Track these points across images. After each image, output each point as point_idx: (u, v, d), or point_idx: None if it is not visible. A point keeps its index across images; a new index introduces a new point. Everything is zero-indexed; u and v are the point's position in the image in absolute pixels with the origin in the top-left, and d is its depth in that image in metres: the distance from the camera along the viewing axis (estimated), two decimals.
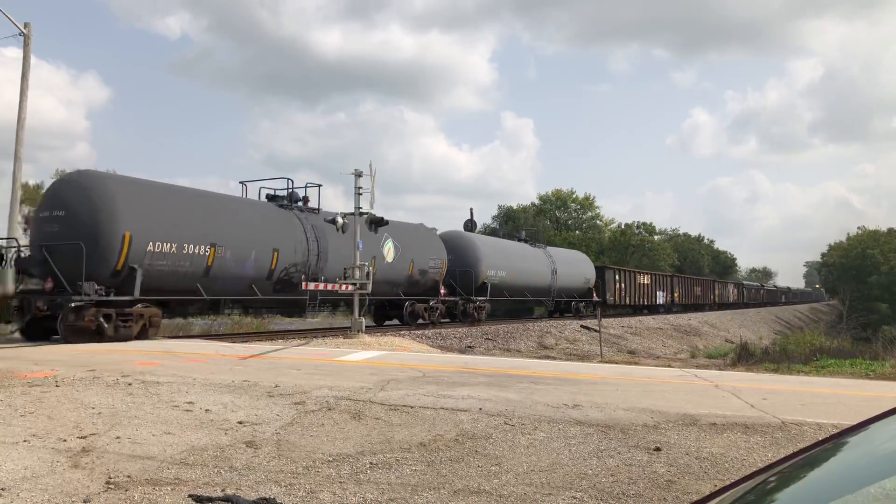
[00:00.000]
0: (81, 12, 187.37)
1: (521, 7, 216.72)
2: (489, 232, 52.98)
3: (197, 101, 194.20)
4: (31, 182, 39.67)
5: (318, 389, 7.26)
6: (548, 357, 20.46)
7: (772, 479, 1.32)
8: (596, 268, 38.57)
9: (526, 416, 6.05)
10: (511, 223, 59.02)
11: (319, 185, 21.42)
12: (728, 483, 1.51)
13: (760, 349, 24.30)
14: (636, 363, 17.81)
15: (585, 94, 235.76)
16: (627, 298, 41.26)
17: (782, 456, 1.65)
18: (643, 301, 43.43)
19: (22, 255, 14.90)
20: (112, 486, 3.94)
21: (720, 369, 16.00)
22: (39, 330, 14.54)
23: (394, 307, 24.33)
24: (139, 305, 15.01)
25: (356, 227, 17.85)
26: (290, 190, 20.37)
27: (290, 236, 18.78)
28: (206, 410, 6.08)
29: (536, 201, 69.15)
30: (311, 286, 17.93)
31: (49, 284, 14.19)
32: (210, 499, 3.69)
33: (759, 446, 5.22)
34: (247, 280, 17.60)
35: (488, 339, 22.96)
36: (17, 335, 14.80)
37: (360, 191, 18.04)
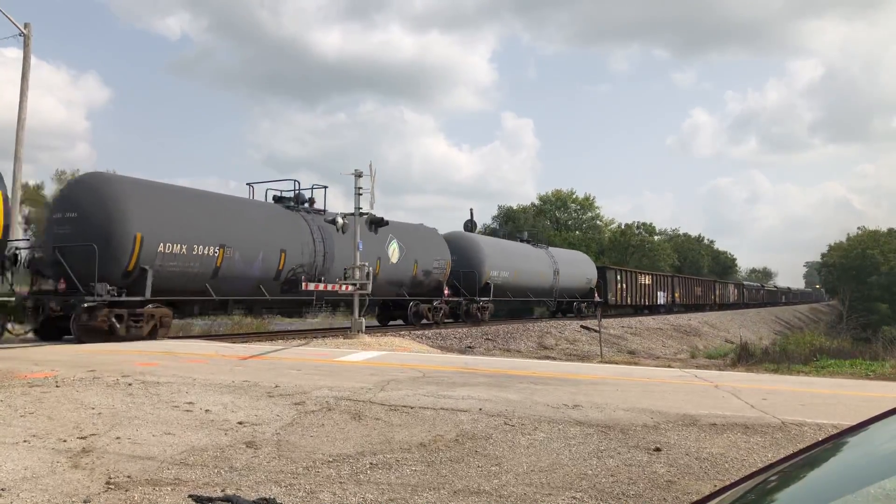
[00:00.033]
0: (81, 12, 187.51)
1: (521, 7, 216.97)
2: (489, 232, 52.98)
3: (197, 101, 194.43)
4: (32, 182, 39.70)
5: (318, 390, 7.26)
6: (548, 357, 20.46)
7: (772, 479, 1.32)
8: (597, 268, 38.67)
9: (526, 417, 6.05)
10: (511, 223, 59.02)
11: (325, 187, 21.57)
12: (728, 483, 1.51)
13: (760, 349, 24.29)
14: (636, 363, 17.81)
15: (585, 95, 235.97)
16: (629, 299, 41.33)
17: (782, 456, 1.65)
18: (644, 301, 43.48)
19: (35, 256, 15.07)
20: (112, 487, 3.94)
21: (720, 369, 16.00)
22: (53, 330, 14.74)
23: (398, 307, 24.46)
24: (150, 306, 15.21)
25: (356, 227, 17.86)
26: (297, 191, 20.57)
27: (297, 237, 18.96)
28: (207, 411, 6.08)
29: (536, 201, 69.21)
30: (311, 286, 18.02)
31: (62, 285, 14.42)
32: (210, 499, 3.68)
33: (759, 447, 5.22)
34: (255, 280, 17.80)
35: (488, 339, 22.96)
36: (30, 335, 14.97)
37: (360, 191, 18.05)
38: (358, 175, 18.00)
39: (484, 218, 65.79)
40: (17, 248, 13.92)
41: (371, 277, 17.96)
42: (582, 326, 30.04)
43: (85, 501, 3.71)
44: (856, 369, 16.25)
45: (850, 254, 74.08)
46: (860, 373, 15.45)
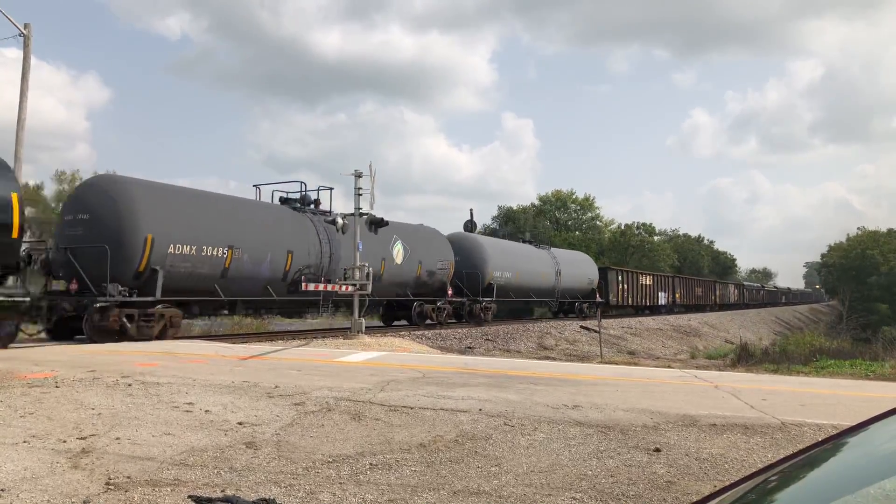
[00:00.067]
0: (81, 13, 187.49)
1: (521, 7, 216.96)
2: (489, 233, 53.00)
3: (197, 101, 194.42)
4: (32, 183, 39.76)
5: (318, 390, 7.26)
6: (547, 358, 20.45)
7: (772, 479, 1.32)
8: (599, 269, 38.81)
9: (526, 417, 6.05)
10: (511, 224, 59.02)
11: (331, 189, 21.69)
12: (728, 483, 1.51)
13: (760, 350, 24.30)
14: (636, 364, 17.81)
15: (585, 95, 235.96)
16: (630, 299, 41.41)
17: (782, 456, 1.65)
18: (645, 302, 43.55)
19: (49, 256, 15.34)
20: (112, 487, 3.94)
21: (720, 370, 16.00)
22: (65, 330, 14.98)
23: (402, 308, 24.72)
24: (160, 306, 15.43)
25: (356, 227, 17.87)
26: (303, 193, 20.80)
27: (304, 238, 19.21)
28: (206, 411, 6.08)
29: (536, 202, 69.20)
30: (311, 286, 18.12)
31: (74, 286, 14.68)
32: (210, 499, 3.68)
33: (759, 447, 5.22)
34: (262, 281, 18.04)
35: (488, 339, 22.96)
36: (42, 335, 15.17)
37: (360, 191, 18.06)
38: (358, 175, 18.01)
39: (484, 218, 65.84)
40: (30, 249, 14.05)
41: (371, 278, 17.99)
42: (582, 327, 30.05)
43: (84, 502, 3.70)
44: (856, 370, 16.25)
45: (850, 254, 74.09)
46: (860, 373, 15.45)
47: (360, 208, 18.08)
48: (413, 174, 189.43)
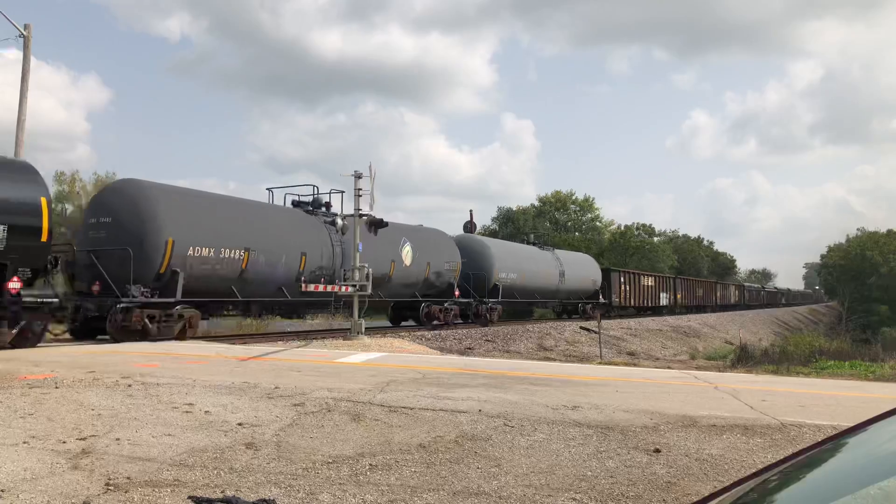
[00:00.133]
0: (81, 14, 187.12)
1: (521, 8, 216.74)
2: (489, 234, 53.00)
3: (197, 102, 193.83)
4: None
5: (318, 391, 7.26)
6: (547, 359, 20.46)
7: (772, 479, 1.32)
8: (602, 270, 39.04)
9: (525, 418, 6.05)
10: (511, 225, 59.05)
11: (342, 192, 21.89)
12: (728, 484, 1.51)
13: (760, 351, 24.32)
14: (636, 365, 17.82)
15: (585, 96, 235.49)
16: (632, 300, 41.57)
17: (782, 457, 1.65)
18: (647, 303, 43.73)
19: (72, 259, 15.71)
20: (111, 488, 3.94)
21: (720, 371, 16.01)
22: (87, 330, 15.41)
23: (410, 309, 25.18)
24: (179, 307, 15.82)
25: (355, 228, 17.89)
26: (315, 196, 21.28)
27: (317, 240, 19.66)
28: (206, 412, 6.08)
29: (536, 203, 69.21)
30: (311, 288, 18.28)
31: (97, 287, 15.10)
32: (210, 500, 3.68)
33: (759, 448, 5.22)
34: (277, 282, 18.47)
35: (488, 340, 22.97)
36: (67, 335, 15.69)
37: (360, 192, 18.06)
38: (357, 177, 18.02)
39: (484, 219, 65.70)
40: (56, 252, 14.29)
41: (370, 279, 18.02)
42: (582, 328, 30.07)
43: (84, 502, 3.70)
44: (855, 371, 16.27)
45: (850, 255, 74.14)
46: (860, 374, 15.47)
47: (359, 209, 18.09)
48: (413, 175, 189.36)
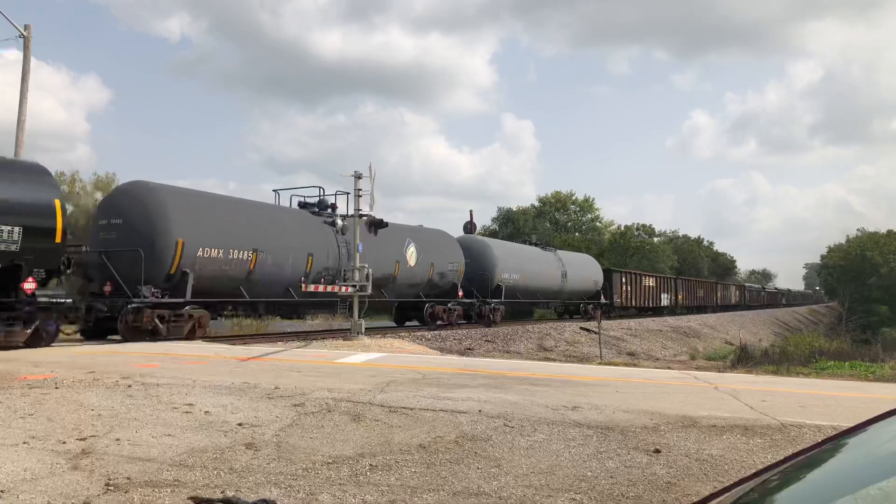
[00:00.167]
0: (81, 14, 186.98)
1: (521, 9, 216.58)
2: (489, 234, 52.97)
3: (197, 102, 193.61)
4: None
5: (318, 391, 7.26)
6: (547, 359, 20.45)
7: (772, 479, 1.32)
8: (603, 270, 39.14)
9: (525, 418, 6.04)
10: (511, 225, 59.01)
11: (348, 193, 21.98)
12: (728, 484, 1.51)
13: (760, 351, 24.31)
14: (636, 365, 17.82)
15: (585, 96, 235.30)
16: (633, 301, 41.68)
17: (782, 457, 1.65)
18: (648, 303, 43.82)
19: (84, 260, 16.01)
20: (111, 488, 3.94)
21: (720, 371, 16.00)
22: (97, 330, 15.56)
23: (414, 309, 25.34)
24: (188, 307, 15.97)
25: (355, 229, 17.89)
26: (321, 197, 21.44)
27: (324, 241, 19.79)
28: (206, 412, 6.08)
29: (536, 203, 69.18)
30: (311, 288, 18.25)
31: (108, 288, 15.32)
32: (210, 500, 3.68)
33: (759, 448, 5.21)
34: (284, 283, 18.63)
35: (488, 340, 22.96)
36: (78, 335, 15.81)
37: (360, 193, 18.06)
38: (357, 177, 18.02)
39: (483, 219, 65.58)
40: (69, 253, 14.39)
41: (370, 279, 18.02)
42: (582, 328, 30.06)
43: (84, 503, 3.70)
44: (855, 371, 16.27)
45: (850, 255, 74.13)
46: (860, 374, 15.47)
47: (359, 209, 18.09)
48: (413, 175, 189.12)
